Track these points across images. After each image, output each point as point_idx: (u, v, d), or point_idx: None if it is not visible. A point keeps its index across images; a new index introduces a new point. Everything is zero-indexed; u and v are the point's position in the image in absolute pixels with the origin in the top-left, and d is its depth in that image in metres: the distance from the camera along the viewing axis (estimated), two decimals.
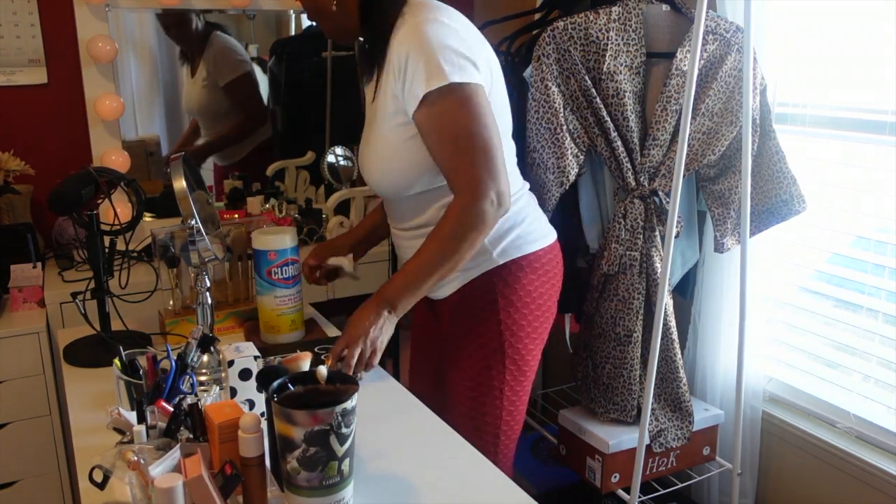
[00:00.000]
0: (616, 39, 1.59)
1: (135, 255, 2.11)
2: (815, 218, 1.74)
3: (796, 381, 1.83)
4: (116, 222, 1.50)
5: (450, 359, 1.51)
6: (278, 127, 2.59)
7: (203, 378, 1.17)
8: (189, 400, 0.96)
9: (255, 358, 1.12)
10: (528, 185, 1.54)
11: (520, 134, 1.70)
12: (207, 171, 2.55)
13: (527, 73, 1.66)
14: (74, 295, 1.44)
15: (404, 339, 2.26)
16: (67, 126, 2.27)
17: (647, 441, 1.67)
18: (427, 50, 1.26)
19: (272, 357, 1.37)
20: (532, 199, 1.53)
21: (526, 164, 1.67)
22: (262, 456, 0.90)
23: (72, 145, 2.28)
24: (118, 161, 2.22)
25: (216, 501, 0.84)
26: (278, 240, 1.48)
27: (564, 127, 1.62)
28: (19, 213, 2.13)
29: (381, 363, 1.43)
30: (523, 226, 1.46)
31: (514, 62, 1.87)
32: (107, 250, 1.47)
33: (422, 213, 1.44)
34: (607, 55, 1.59)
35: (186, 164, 1.38)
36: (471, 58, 1.29)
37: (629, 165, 1.64)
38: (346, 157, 2.57)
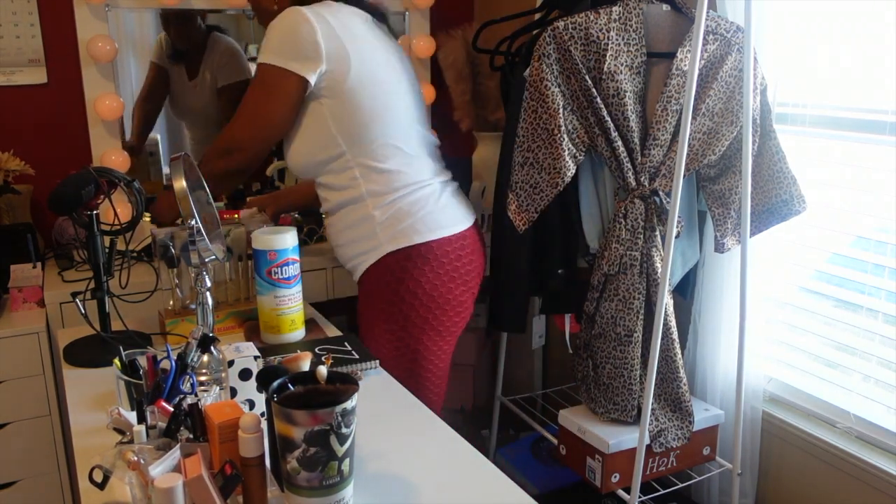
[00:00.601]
0: (616, 39, 1.59)
1: (135, 255, 2.10)
2: (815, 218, 1.74)
3: (796, 381, 1.83)
4: (116, 222, 1.50)
5: (361, 331, 1.71)
6: None
7: (203, 378, 1.17)
8: (189, 400, 0.96)
9: (255, 358, 1.12)
10: (441, 179, 1.68)
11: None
12: None
13: (527, 72, 1.66)
14: (74, 295, 1.44)
15: None
16: (67, 126, 2.27)
17: (647, 441, 1.67)
18: (273, 33, 1.53)
19: (272, 357, 1.37)
20: (442, 193, 1.66)
21: (515, 164, 1.67)
22: (262, 456, 0.90)
23: (72, 145, 2.28)
24: (118, 161, 2.22)
25: (216, 501, 0.84)
26: (278, 240, 1.48)
27: (563, 127, 1.62)
28: (19, 213, 2.13)
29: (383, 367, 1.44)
30: (418, 216, 1.59)
31: (515, 62, 1.87)
32: (107, 250, 1.47)
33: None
34: (608, 55, 1.58)
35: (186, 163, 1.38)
36: (308, 53, 1.51)
37: (629, 165, 1.64)
38: None
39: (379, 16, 1.69)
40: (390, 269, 1.60)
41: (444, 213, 1.63)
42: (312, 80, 1.53)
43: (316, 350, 1.44)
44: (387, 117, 1.59)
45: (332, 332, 1.60)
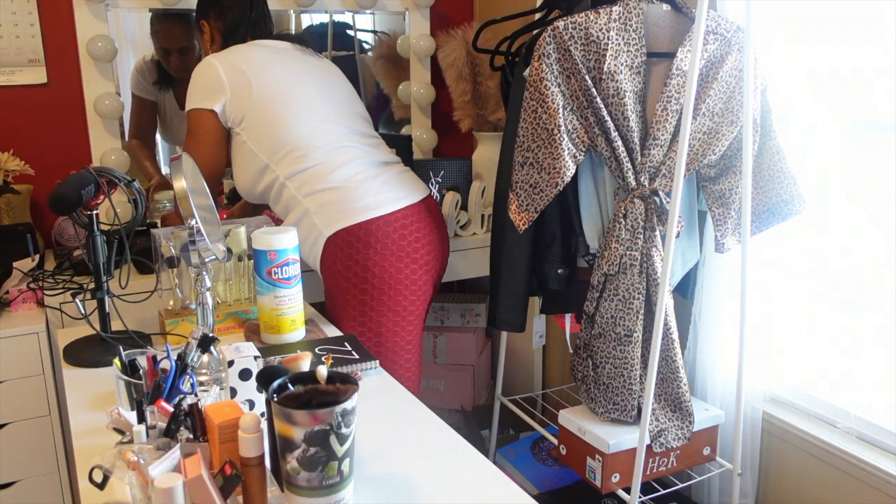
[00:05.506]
0: (616, 39, 1.59)
1: (135, 255, 2.10)
2: (816, 218, 1.74)
3: (796, 381, 1.83)
4: (116, 222, 1.50)
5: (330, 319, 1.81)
6: None
7: (203, 378, 1.17)
8: (189, 400, 0.96)
9: (255, 358, 1.12)
10: (377, 162, 1.77)
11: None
12: None
13: (527, 72, 1.66)
14: (74, 295, 1.44)
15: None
16: (67, 126, 2.27)
17: (647, 441, 1.67)
18: (190, 85, 1.78)
19: (272, 357, 1.37)
20: (379, 176, 1.75)
21: (515, 164, 1.67)
22: (262, 456, 0.90)
23: (72, 145, 2.28)
24: (118, 161, 2.22)
25: (216, 501, 0.84)
26: (278, 240, 1.48)
27: (563, 127, 1.62)
28: (19, 213, 2.13)
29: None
30: (349, 199, 1.69)
31: (515, 62, 1.87)
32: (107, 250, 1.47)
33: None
34: (608, 55, 1.58)
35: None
36: (213, 87, 1.73)
37: (630, 165, 1.64)
38: None
39: (297, 41, 1.91)
40: (337, 255, 1.69)
41: (379, 195, 1.72)
42: (218, 108, 1.74)
43: (316, 350, 1.44)
44: (295, 122, 1.73)
45: (332, 332, 1.60)
